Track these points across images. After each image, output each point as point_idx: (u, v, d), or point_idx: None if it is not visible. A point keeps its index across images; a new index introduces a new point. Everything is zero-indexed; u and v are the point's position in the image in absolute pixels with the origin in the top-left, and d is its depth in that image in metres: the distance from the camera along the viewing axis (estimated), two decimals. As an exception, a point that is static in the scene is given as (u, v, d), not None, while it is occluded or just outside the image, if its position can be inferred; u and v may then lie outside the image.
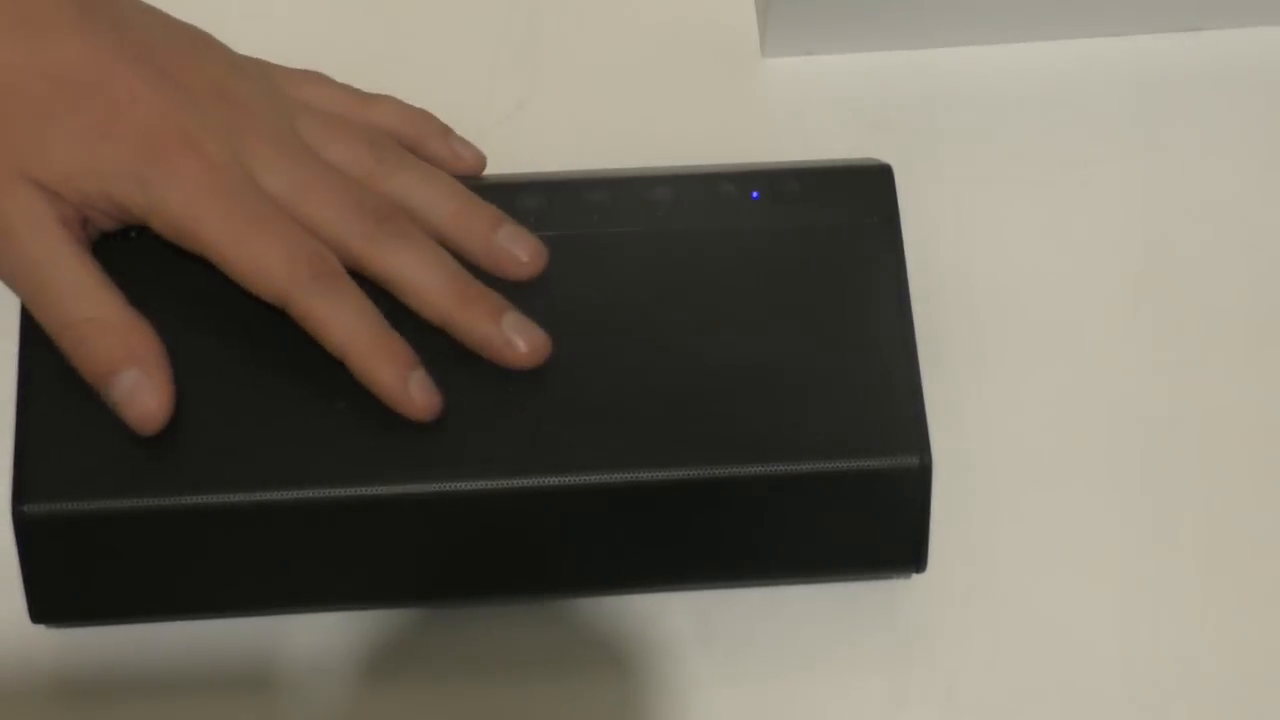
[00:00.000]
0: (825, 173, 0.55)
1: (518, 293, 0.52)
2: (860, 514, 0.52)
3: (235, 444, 0.50)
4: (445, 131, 0.55)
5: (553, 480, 0.50)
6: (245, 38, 0.54)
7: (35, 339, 0.51)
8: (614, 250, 0.53)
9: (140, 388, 0.49)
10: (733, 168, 0.55)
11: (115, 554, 0.50)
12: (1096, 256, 0.59)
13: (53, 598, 0.51)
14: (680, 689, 0.54)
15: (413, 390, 0.49)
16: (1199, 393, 0.58)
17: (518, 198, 0.53)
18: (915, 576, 0.54)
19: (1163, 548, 0.56)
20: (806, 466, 0.51)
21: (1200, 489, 0.57)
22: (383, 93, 0.55)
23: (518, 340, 0.51)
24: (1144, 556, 0.56)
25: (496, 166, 0.56)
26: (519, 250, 0.52)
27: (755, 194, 0.54)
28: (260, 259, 0.49)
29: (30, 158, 0.49)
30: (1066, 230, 0.60)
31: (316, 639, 0.54)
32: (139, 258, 0.51)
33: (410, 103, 0.56)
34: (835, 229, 0.54)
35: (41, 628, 0.52)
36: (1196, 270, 0.59)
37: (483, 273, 0.52)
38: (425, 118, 0.55)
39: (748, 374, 0.52)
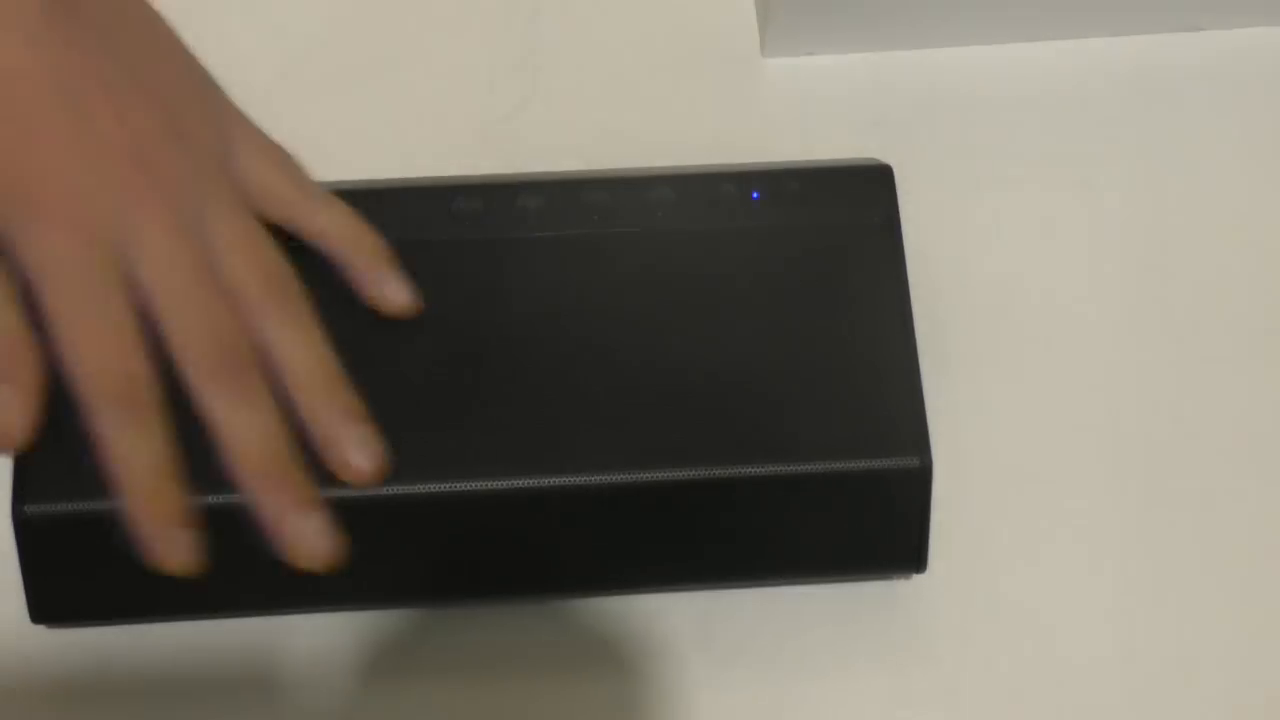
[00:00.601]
0: (825, 173, 0.55)
1: (512, 293, 0.52)
2: (861, 514, 0.52)
3: (235, 444, 0.50)
4: (380, 263, 0.51)
5: (553, 481, 0.50)
6: (246, 38, 0.54)
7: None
8: (614, 250, 0.53)
9: (5, 406, 0.47)
10: (733, 168, 0.55)
11: (115, 554, 0.50)
12: (1096, 256, 0.59)
13: (53, 598, 0.51)
14: (680, 689, 0.54)
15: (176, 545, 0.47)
16: (1199, 392, 0.58)
17: (518, 198, 0.53)
18: (915, 576, 0.54)
19: (1162, 547, 0.56)
20: (807, 467, 0.51)
21: (1200, 489, 0.57)
22: (331, 201, 0.51)
23: (310, 542, 0.48)
24: (1143, 556, 0.56)
25: (497, 166, 0.56)
26: (362, 459, 0.49)
27: (755, 194, 0.54)
28: (80, 355, 0.46)
29: None
30: (1066, 230, 0.60)
31: (316, 639, 0.54)
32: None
33: (363, 231, 0.51)
34: (835, 229, 0.54)
35: (41, 628, 0.52)
36: (1196, 270, 0.59)
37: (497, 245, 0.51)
38: (369, 242, 0.51)
39: (748, 374, 0.52)
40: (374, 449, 0.49)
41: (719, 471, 0.50)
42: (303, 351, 0.49)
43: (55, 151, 0.47)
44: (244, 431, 0.48)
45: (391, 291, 0.51)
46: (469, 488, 0.50)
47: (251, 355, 0.48)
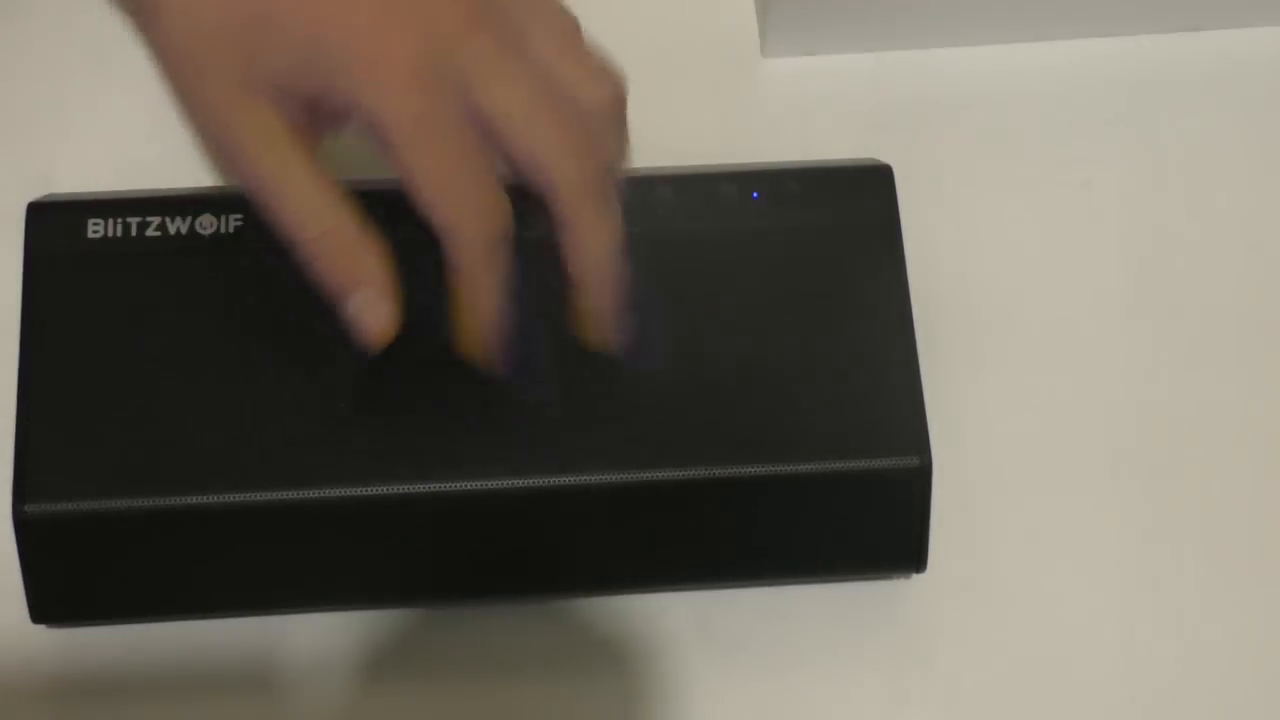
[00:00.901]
0: (825, 173, 0.55)
1: (518, 295, 0.52)
2: (861, 514, 0.52)
3: (235, 444, 0.50)
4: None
5: (553, 481, 0.50)
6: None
7: (36, 339, 0.51)
8: (614, 250, 0.53)
9: (367, 310, 0.47)
10: (733, 168, 0.55)
11: (115, 554, 0.50)
12: (1096, 256, 0.59)
13: (53, 598, 0.51)
14: (680, 689, 0.54)
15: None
16: (1199, 392, 0.58)
17: (518, 198, 0.53)
18: (915, 576, 0.54)
19: (1162, 547, 0.56)
20: (807, 467, 0.51)
21: (1200, 488, 0.57)
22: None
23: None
24: (1144, 556, 0.56)
25: (497, 166, 0.56)
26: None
27: (755, 194, 0.54)
28: (452, 207, 0.47)
29: (252, 64, 0.47)
30: (1066, 230, 0.60)
31: (316, 639, 0.54)
32: (143, 258, 0.52)
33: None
34: (835, 229, 0.54)
35: (41, 628, 0.52)
36: (1196, 270, 0.59)
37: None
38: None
39: (748, 374, 0.52)
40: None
41: (719, 471, 0.50)
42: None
43: (373, 6, 0.46)
44: (603, 243, 0.48)
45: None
46: (469, 487, 0.50)
47: (608, 177, 0.48)
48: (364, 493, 0.50)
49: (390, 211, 0.53)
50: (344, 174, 0.55)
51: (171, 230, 0.52)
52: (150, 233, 0.52)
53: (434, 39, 0.47)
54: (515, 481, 0.50)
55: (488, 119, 0.47)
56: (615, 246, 0.48)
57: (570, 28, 0.50)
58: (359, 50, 0.46)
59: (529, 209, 0.53)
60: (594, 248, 0.48)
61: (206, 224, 0.52)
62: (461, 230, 0.47)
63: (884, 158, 0.55)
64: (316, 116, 0.48)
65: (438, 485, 0.50)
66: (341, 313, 0.48)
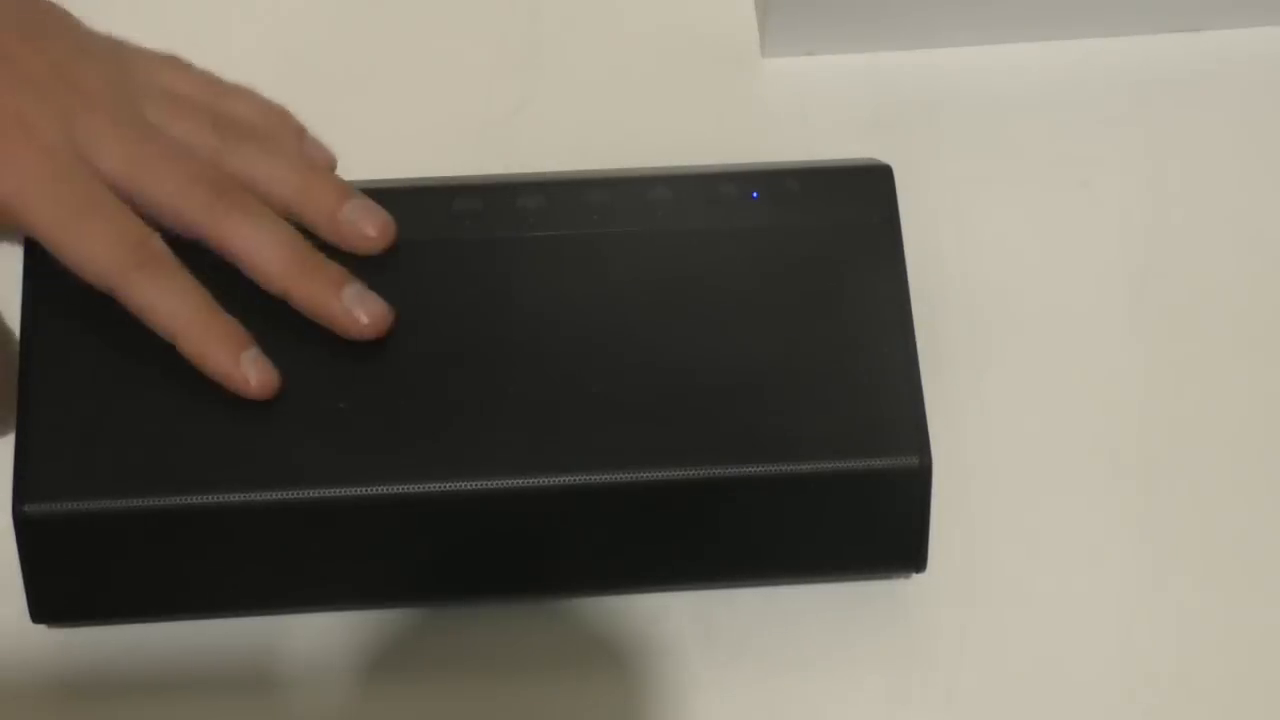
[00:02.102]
0: (825, 173, 0.55)
1: (513, 292, 0.52)
2: (860, 514, 0.52)
3: (236, 444, 0.50)
4: (300, 131, 0.55)
5: (552, 480, 0.50)
6: (246, 38, 0.54)
7: (36, 339, 0.51)
8: (614, 250, 0.53)
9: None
10: (733, 168, 0.55)
11: (115, 554, 0.50)
12: (1096, 256, 0.59)
13: (53, 598, 0.51)
14: (680, 689, 0.54)
15: (245, 369, 0.49)
16: (1198, 392, 0.58)
17: (518, 198, 0.53)
18: (915, 576, 0.54)
19: (1162, 547, 0.56)
20: (807, 466, 0.51)
21: (1200, 488, 0.57)
22: (244, 86, 0.55)
23: (358, 312, 0.50)
24: (1143, 556, 0.56)
25: (497, 167, 0.56)
26: (366, 225, 0.52)
27: (755, 194, 0.54)
28: (86, 247, 0.49)
29: None
30: (1066, 230, 0.60)
31: (316, 639, 0.54)
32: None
33: (277, 110, 0.55)
34: (835, 229, 0.54)
35: (41, 628, 0.52)
36: (1196, 270, 0.59)
37: (497, 244, 0.52)
38: (281, 115, 0.55)
39: (748, 374, 0.52)
40: (381, 216, 0.52)
41: (719, 471, 0.50)
42: (280, 166, 0.52)
43: None
44: (260, 241, 0.50)
45: (320, 154, 0.55)
46: (469, 487, 0.50)
47: (236, 180, 0.51)
48: (364, 493, 0.50)
49: (390, 211, 0.53)
50: (347, 175, 0.55)
51: (171, 233, 0.52)
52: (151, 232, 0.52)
53: (48, 124, 0.49)
54: (515, 481, 0.50)
55: (113, 183, 0.50)
56: (264, 231, 0.50)
57: (175, 81, 0.53)
58: None
59: (532, 208, 0.53)
60: (246, 241, 0.50)
61: (206, 224, 0.52)
62: (107, 264, 0.49)
63: (884, 158, 0.55)
64: None
65: (438, 485, 0.50)
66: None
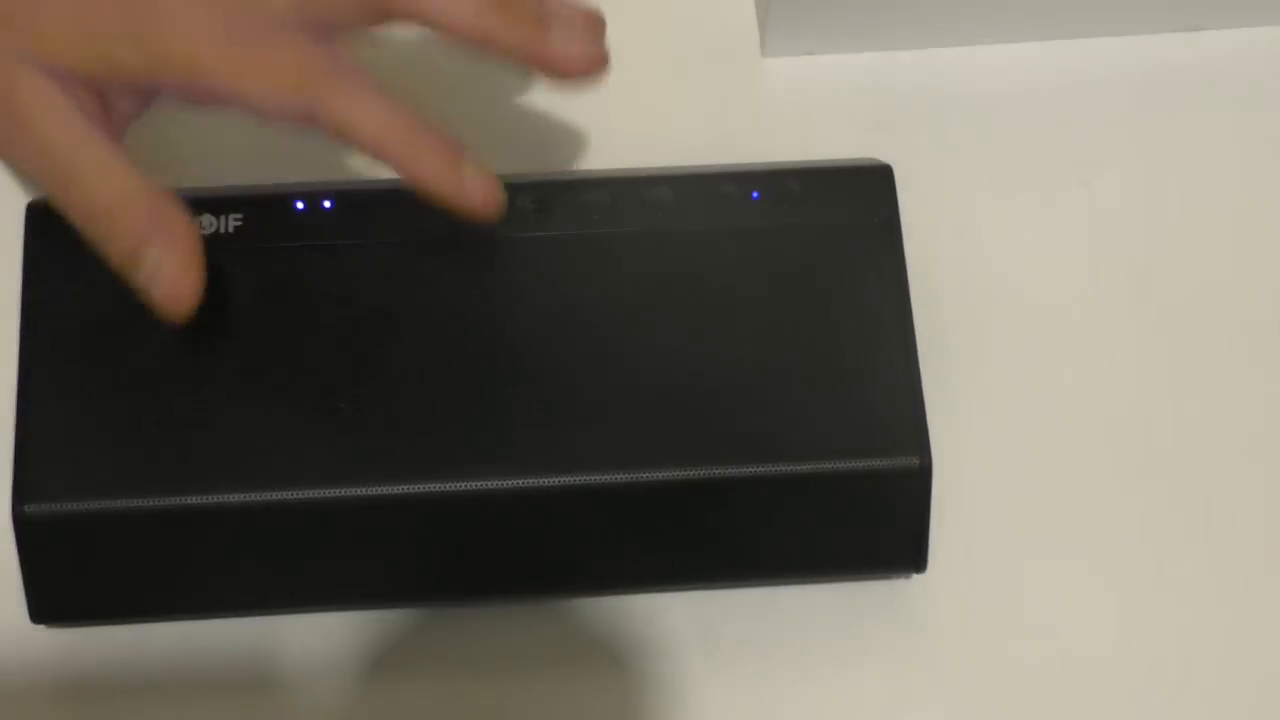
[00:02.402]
0: (825, 173, 0.55)
1: (512, 292, 0.52)
2: (860, 514, 0.52)
3: (235, 444, 0.50)
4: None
5: (553, 480, 0.50)
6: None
7: (36, 340, 0.51)
8: (614, 250, 0.53)
9: (165, 264, 0.46)
10: (733, 168, 0.55)
11: (115, 554, 0.50)
12: (1096, 256, 0.59)
13: (53, 598, 0.51)
14: (680, 689, 0.54)
15: (468, 180, 0.46)
16: (1199, 392, 0.58)
17: (518, 198, 0.53)
18: (915, 576, 0.54)
19: (1163, 547, 0.56)
20: (807, 467, 0.51)
21: (1200, 488, 0.57)
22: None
23: (569, 49, 0.47)
24: (1144, 556, 0.56)
25: (497, 167, 0.56)
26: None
27: (755, 194, 0.54)
28: (271, 80, 0.46)
29: (32, 43, 0.47)
30: (1066, 230, 0.60)
31: (316, 639, 0.54)
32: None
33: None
34: (835, 229, 0.54)
35: (41, 628, 0.52)
36: (1196, 270, 0.59)
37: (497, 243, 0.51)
38: None
39: (747, 374, 0.52)
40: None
41: (719, 471, 0.50)
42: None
43: None
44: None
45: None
46: (469, 487, 0.50)
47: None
48: (363, 493, 0.50)
49: (390, 211, 0.53)
50: (347, 175, 0.55)
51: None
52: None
53: None
54: (515, 481, 0.50)
55: (285, 16, 0.46)
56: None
57: None
58: (142, 16, 0.46)
59: (532, 209, 0.53)
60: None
61: (206, 224, 0.52)
62: (284, 91, 0.46)
63: (884, 158, 0.55)
64: (105, 86, 0.47)
65: (438, 485, 0.50)
66: (136, 282, 0.46)
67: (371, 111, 0.46)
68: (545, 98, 0.61)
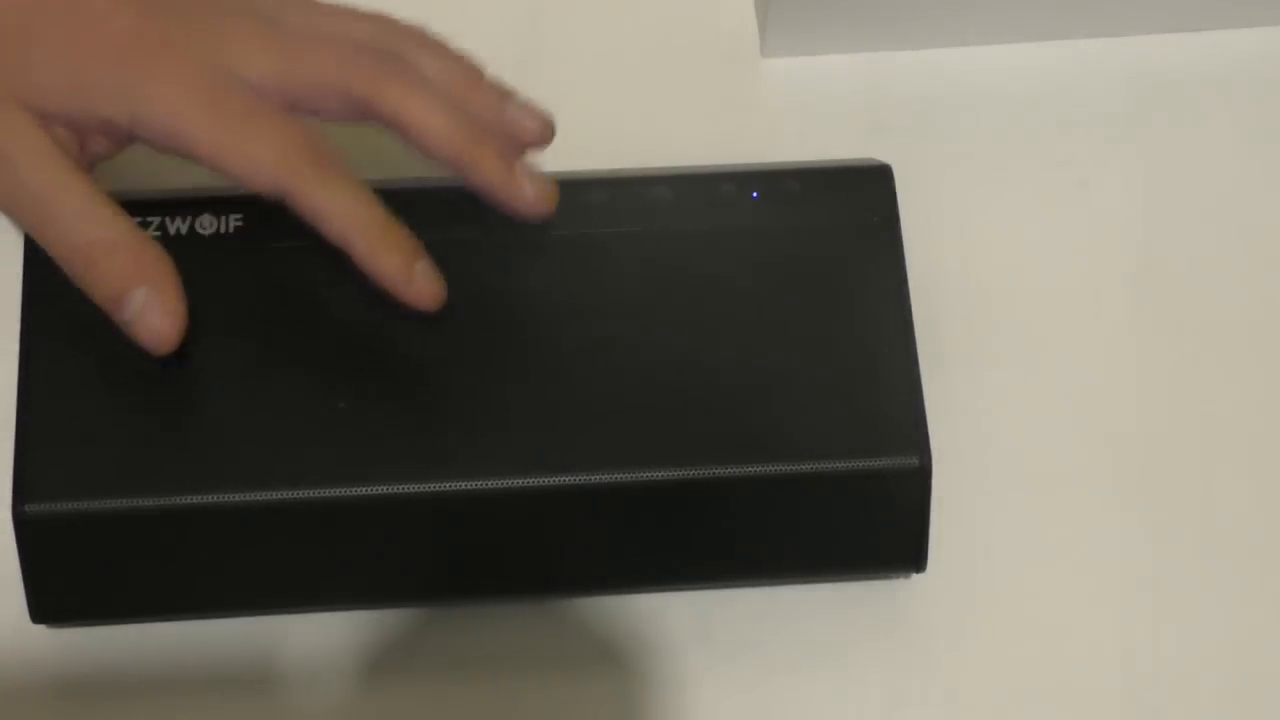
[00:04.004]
0: (825, 173, 0.55)
1: (512, 292, 0.52)
2: (860, 514, 0.52)
3: (235, 444, 0.50)
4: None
5: (552, 480, 0.50)
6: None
7: (36, 339, 0.51)
8: (614, 250, 0.53)
9: (151, 306, 0.48)
10: (733, 168, 0.55)
11: (115, 554, 0.50)
12: (1096, 256, 0.59)
13: (53, 598, 0.51)
14: (680, 689, 0.54)
15: (417, 278, 0.49)
16: (1198, 392, 0.58)
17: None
18: (915, 576, 0.54)
19: (1162, 547, 0.56)
20: (806, 466, 0.51)
21: (1200, 488, 0.57)
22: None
23: (527, 185, 0.50)
24: (1143, 556, 0.56)
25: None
26: (529, 120, 0.51)
27: (755, 194, 0.54)
28: (253, 153, 0.48)
29: (16, 81, 0.48)
30: (1066, 230, 0.60)
31: (316, 639, 0.54)
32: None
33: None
34: (835, 229, 0.54)
35: (41, 628, 0.52)
36: (1196, 270, 0.59)
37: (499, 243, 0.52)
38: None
39: (747, 374, 0.52)
40: (544, 114, 0.52)
41: (719, 471, 0.50)
42: (440, 56, 0.51)
43: (131, 15, 0.48)
44: (435, 109, 0.49)
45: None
46: (469, 487, 0.50)
47: (395, 55, 0.50)
48: (364, 493, 0.50)
49: (389, 211, 0.53)
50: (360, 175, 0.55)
51: (171, 230, 0.52)
52: (150, 233, 0.52)
53: (196, 42, 0.48)
54: (515, 481, 0.50)
55: (271, 89, 0.49)
56: (436, 101, 0.49)
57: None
58: (130, 74, 0.48)
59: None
60: (418, 108, 0.49)
61: (206, 224, 0.52)
62: (277, 163, 0.48)
63: (884, 158, 0.55)
64: (85, 130, 0.49)
65: (437, 485, 0.50)
66: (120, 322, 0.48)
67: (340, 203, 0.48)
68: (545, 98, 0.60)
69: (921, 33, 0.61)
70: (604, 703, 0.54)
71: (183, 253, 0.51)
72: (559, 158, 0.57)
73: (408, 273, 0.49)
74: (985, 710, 0.54)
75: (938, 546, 0.53)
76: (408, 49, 0.51)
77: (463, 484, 0.50)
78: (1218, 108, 0.62)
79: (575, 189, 0.54)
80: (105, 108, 0.48)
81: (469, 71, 0.52)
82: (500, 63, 0.61)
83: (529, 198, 0.50)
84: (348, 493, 0.50)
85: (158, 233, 0.52)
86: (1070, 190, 0.60)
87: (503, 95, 0.52)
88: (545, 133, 0.52)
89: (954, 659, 0.55)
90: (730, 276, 0.53)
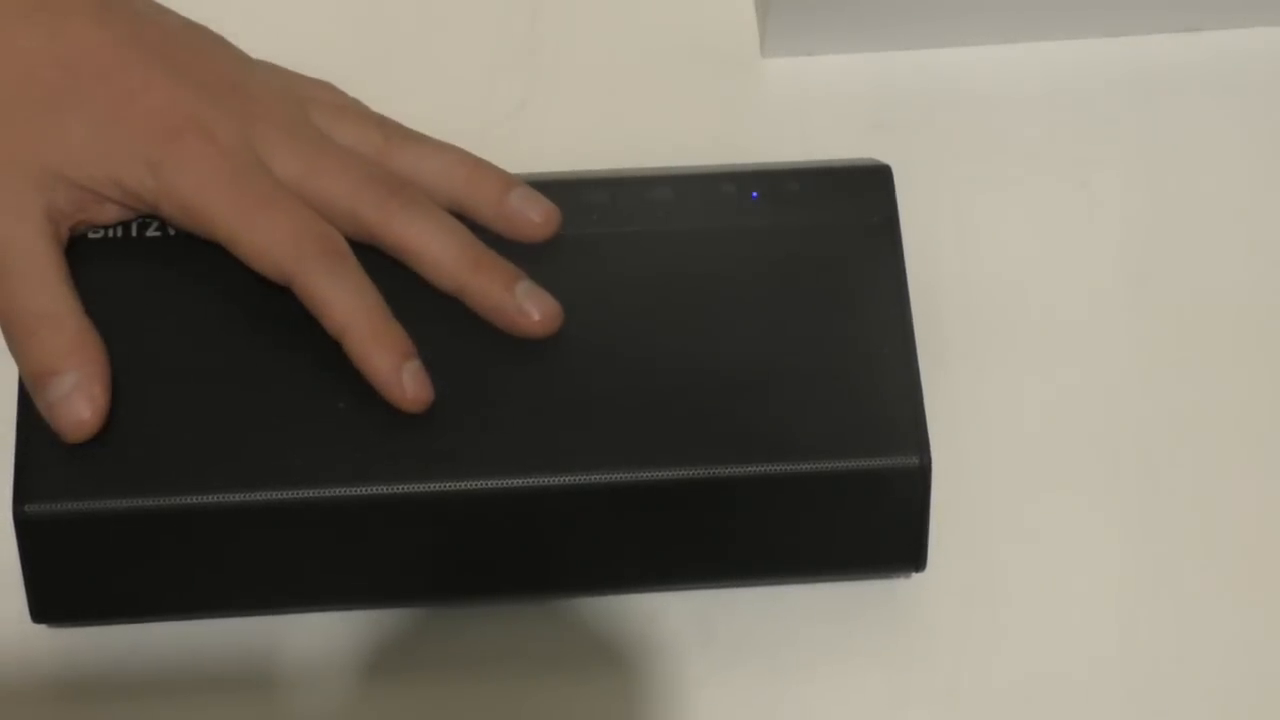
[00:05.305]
0: (825, 173, 0.55)
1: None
2: (860, 514, 0.52)
3: (236, 444, 0.50)
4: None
5: (553, 480, 0.50)
6: (247, 38, 0.54)
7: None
8: (614, 250, 0.53)
9: (80, 393, 0.49)
10: (733, 168, 0.55)
11: (115, 554, 0.50)
12: (1096, 256, 0.59)
13: (53, 598, 0.51)
14: (680, 689, 0.54)
15: (405, 380, 0.50)
16: (1198, 391, 0.58)
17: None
18: (915, 576, 0.54)
19: (1162, 547, 0.56)
20: (806, 466, 0.51)
21: (1199, 488, 0.57)
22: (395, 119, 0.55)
23: (530, 308, 0.51)
24: (1143, 556, 0.56)
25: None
26: (532, 212, 0.52)
27: (755, 194, 0.54)
28: (267, 237, 0.50)
29: (43, 143, 0.50)
30: (1066, 230, 0.60)
31: (316, 639, 0.54)
32: (142, 259, 0.52)
33: (408, 109, 0.55)
34: (835, 229, 0.54)
35: (41, 628, 0.52)
36: (1196, 270, 0.59)
37: (500, 242, 0.53)
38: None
39: (748, 374, 0.52)
40: (546, 203, 0.53)
41: (719, 471, 0.50)
42: (446, 159, 0.53)
43: (166, 93, 0.50)
44: (435, 238, 0.51)
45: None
46: (469, 487, 0.50)
47: (405, 179, 0.52)
48: (364, 493, 0.50)
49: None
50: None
51: (171, 230, 0.52)
52: (150, 233, 0.52)
53: (224, 125, 0.50)
54: (515, 481, 0.50)
55: (290, 187, 0.51)
56: (441, 228, 0.51)
57: (335, 97, 0.55)
58: (158, 151, 0.50)
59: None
60: (422, 236, 0.51)
61: (206, 224, 0.52)
62: (288, 249, 0.50)
63: (884, 158, 0.55)
64: (97, 198, 0.51)
65: (437, 485, 0.50)
66: (39, 399, 0.49)
67: (341, 297, 0.50)
68: (545, 98, 0.61)
69: (921, 33, 0.61)
70: (604, 703, 0.54)
71: (183, 253, 0.51)
72: (560, 157, 0.57)
73: (396, 375, 0.49)
74: (985, 710, 0.54)
75: (938, 546, 0.53)
76: (413, 150, 0.53)
77: (463, 484, 0.50)
78: (1218, 108, 0.62)
79: (575, 189, 0.54)
80: (131, 180, 0.50)
81: (471, 168, 0.53)
82: (500, 63, 0.61)
83: (533, 321, 0.51)
84: (348, 493, 0.50)
85: (157, 232, 0.52)
86: (1070, 190, 0.60)
87: (505, 186, 0.53)
88: (548, 224, 0.53)
89: (954, 658, 0.55)
90: (730, 276, 0.53)
